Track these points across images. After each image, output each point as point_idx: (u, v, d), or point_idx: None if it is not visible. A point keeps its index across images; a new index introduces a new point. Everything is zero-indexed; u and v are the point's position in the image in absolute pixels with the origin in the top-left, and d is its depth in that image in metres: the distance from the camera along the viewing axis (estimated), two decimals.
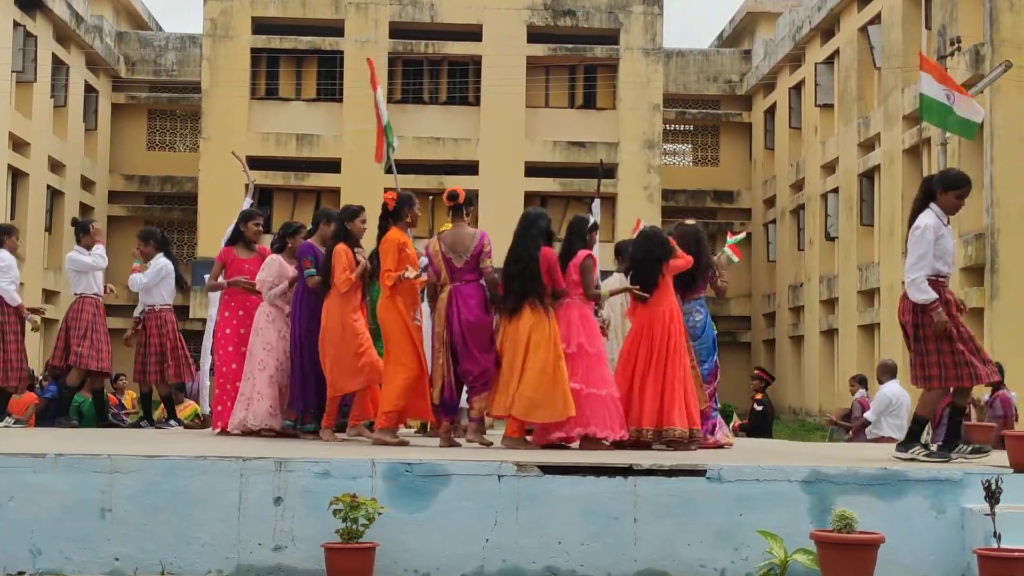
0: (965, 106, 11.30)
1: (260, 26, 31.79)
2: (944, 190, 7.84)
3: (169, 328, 11.51)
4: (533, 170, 30.99)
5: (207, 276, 11.96)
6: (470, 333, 8.54)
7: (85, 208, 33.33)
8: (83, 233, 11.75)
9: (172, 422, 11.87)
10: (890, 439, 12.41)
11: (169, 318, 11.54)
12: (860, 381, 15.97)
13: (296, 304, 9.38)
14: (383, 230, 8.82)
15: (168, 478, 6.80)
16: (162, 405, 12.30)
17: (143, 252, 11.71)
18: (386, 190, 9.77)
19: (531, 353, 8.45)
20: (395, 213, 8.83)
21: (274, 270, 9.60)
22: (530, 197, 30.21)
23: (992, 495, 6.30)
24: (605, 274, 10.90)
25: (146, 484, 6.78)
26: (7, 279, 11.32)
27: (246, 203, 12.15)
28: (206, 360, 11.92)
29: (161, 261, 11.53)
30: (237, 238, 10.32)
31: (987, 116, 22.33)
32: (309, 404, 9.37)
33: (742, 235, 10.82)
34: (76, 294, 11.48)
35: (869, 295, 28.78)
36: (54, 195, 31.84)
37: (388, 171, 11.93)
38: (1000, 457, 7.83)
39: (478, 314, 8.56)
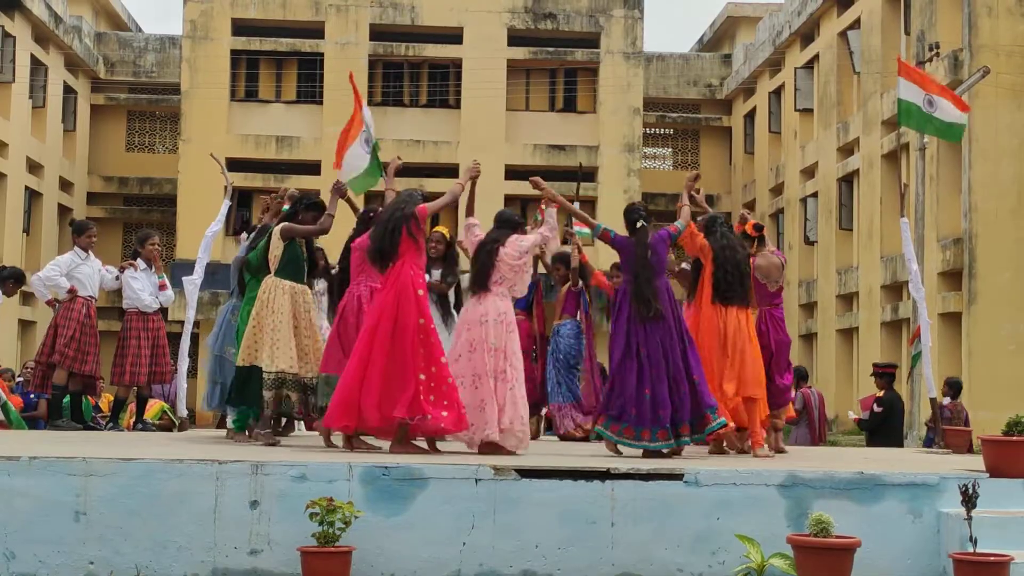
0: (949, 109, 11.32)
1: (240, 28, 31.68)
2: None
3: (154, 329, 11.59)
4: (513, 173, 30.95)
5: (185, 278, 11.98)
6: (778, 351, 9.63)
7: (63, 209, 33.16)
8: (77, 234, 11.74)
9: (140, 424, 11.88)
10: None
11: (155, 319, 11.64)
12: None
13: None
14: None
15: (144, 481, 6.76)
16: (131, 406, 12.28)
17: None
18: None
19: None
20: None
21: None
22: (510, 200, 30.18)
23: (968, 499, 6.33)
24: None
25: (121, 487, 6.74)
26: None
27: (225, 205, 12.08)
28: (183, 363, 11.87)
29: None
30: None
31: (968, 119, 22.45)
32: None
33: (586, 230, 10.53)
34: (68, 293, 11.44)
35: (848, 299, 28.88)
36: (32, 196, 31.66)
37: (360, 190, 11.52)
38: (976, 461, 7.87)
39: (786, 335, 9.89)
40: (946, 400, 15.05)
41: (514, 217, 8.86)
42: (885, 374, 14.83)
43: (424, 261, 8.68)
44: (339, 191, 9.36)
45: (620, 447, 8.51)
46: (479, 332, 8.41)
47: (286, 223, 9.13)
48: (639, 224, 8.72)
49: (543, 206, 9.03)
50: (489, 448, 8.25)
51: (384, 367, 8.08)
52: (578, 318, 11.92)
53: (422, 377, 8.06)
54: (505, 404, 8.32)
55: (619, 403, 8.43)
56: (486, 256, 8.57)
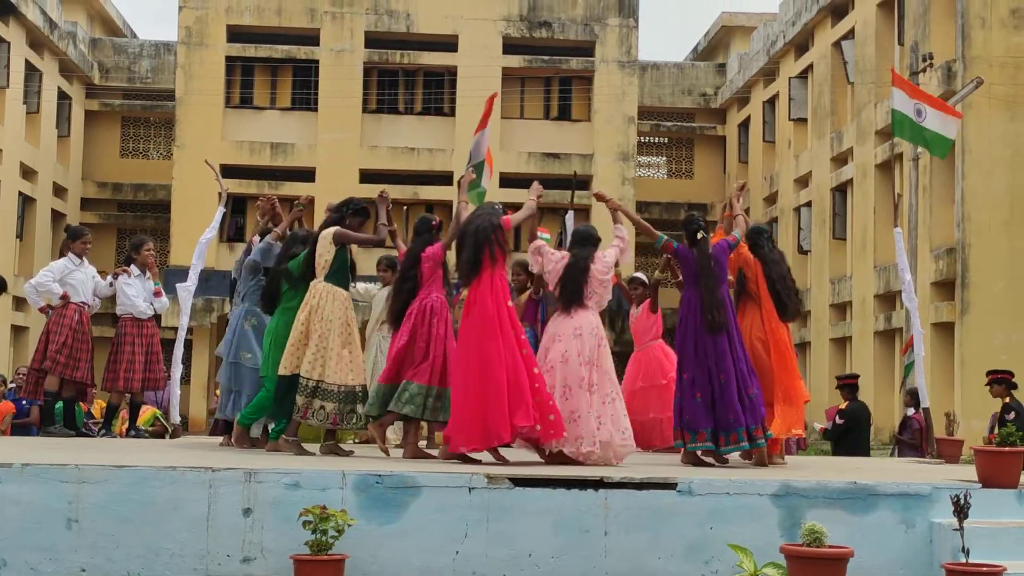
0: (939, 121, 11.36)
1: (235, 34, 31.69)
2: None
3: (148, 335, 11.58)
4: (507, 181, 30.94)
5: (179, 285, 11.97)
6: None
7: (57, 215, 33.12)
8: (72, 240, 11.72)
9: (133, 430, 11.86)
10: None
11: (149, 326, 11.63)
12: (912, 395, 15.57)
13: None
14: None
15: (136, 488, 6.75)
16: (124, 413, 12.26)
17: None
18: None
19: None
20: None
21: None
22: (504, 208, 30.22)
23: (961, 510, 6.34)
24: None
25: (114, 494, 6.73)
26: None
27: (219, 212, 12.05)
28: (177, 369, 11.85)
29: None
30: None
31: (958, 131, 22.51)
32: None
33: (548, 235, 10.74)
34: (60, 299, 11.42)
35: (841, 308, 28.92)
36: (26, 202, 31.62)
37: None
38: (969, 471, 7.88)
39: None
40: (910, 411, 15.08)
41: (594, 234, 8.93)
42: (848, 385, 15.10)
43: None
44: (386, 200, 9.36)
45: (700, 454, 8.85)
46: (574, 345, 8.47)
47: (338, 228, 9.01)
48: (700, 235, 8.89)
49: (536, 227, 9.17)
50: (558, 458, 8.31)
51: (503, 380, 8.08)
52: (536, 327, 11.88)
53: (536, 386, 8.18)
54: (604, 417, 8.40)
55: (692, 412, 8.71)
56: (579, 273, 8.63)
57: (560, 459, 8.30)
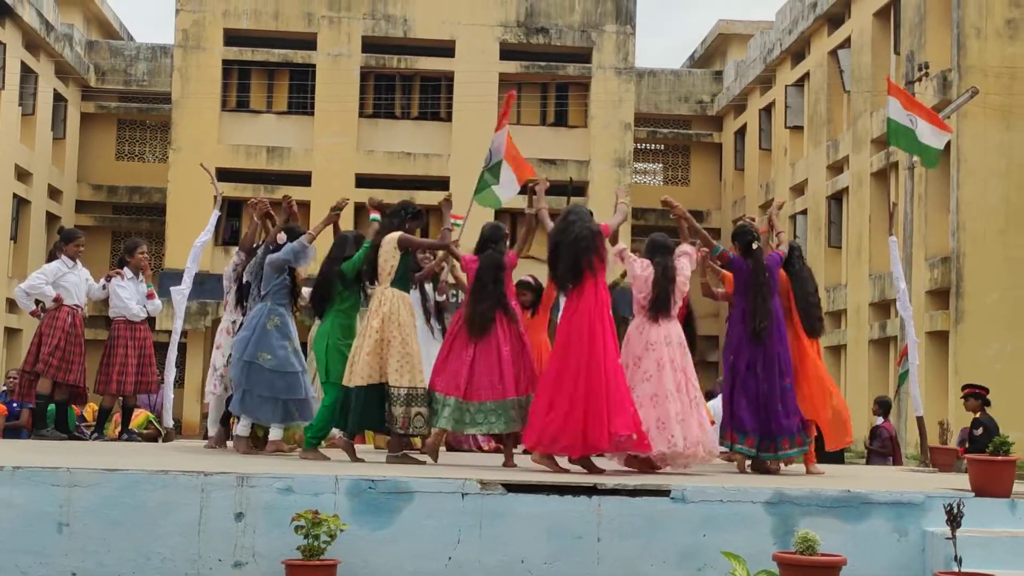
0: (929, 133, 11.40)
1: (232, 38, 31.68)
2: None
3: (140, 338, 11.55)
4: None
5: (173, 288, 11.93)
6: None
7: (52, 218, 33.06)
8: (65, 242, 11.70)
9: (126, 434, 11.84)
10: None
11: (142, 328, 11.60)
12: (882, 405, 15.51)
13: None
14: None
15: (128, 492, 6.73)
16: (116, 416, 12.22)
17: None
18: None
19: None
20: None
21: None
22: (500, 213, 30.23)
23: (953, 519, 6.33)
24: None
25: (105, 498, 6.71)
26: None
27: (214, 215, 12.02)
28: (170, 372, 11.83)
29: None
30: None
31: (954, 141, 22.55)
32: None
33: None
34: (53, 302, 11.39)
35: (836, 316, 28.93)
36: (20, 204, 31.57)
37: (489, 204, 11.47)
38: (962, 480, 7.88)
39: None
40: (879, 420, 15.04)
41: (668, 242, 8.99)
42: (977, 395, 14.65)
43: None
44: (449, 205, 9.29)
45: (745, 456, 9.04)
46: (664, 353, 8.57)
47: (403, 234, 8.93)
48: (755, 246, 9.10)
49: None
50: (635, 463, 8.46)
51: (603, 389, 8.09)
52: None
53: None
54: (691, 421, 8.52)
55: (740, 416, 8.90)
56: (669, 283, 8.69)
57: (643, 465, 8.51)
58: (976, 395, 14.26)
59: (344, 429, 8.95)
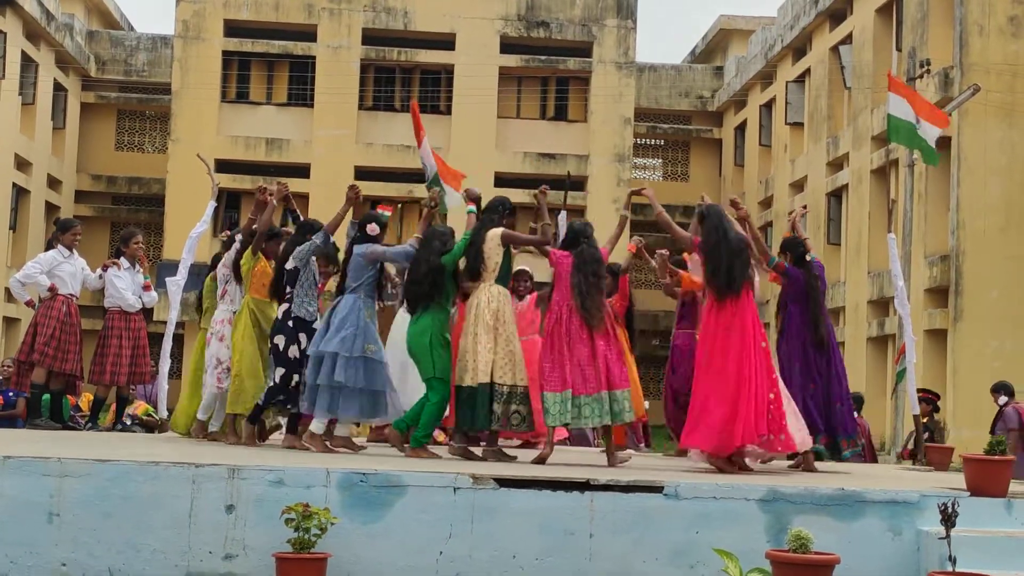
0: (927, 129, 11.38)
1: (232, 29, 31.63)
2: None
3: (135, 329, 11.51)
4: (502, 180, 30.93)
5: (169, 279, 11.87)
6: None
7: (51, 207, 33.04)
8: (62, 232, 11.66)
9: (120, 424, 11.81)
10: None
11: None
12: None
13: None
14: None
15: (119, 483, 6.69)
16: (112, 407, 12.20)
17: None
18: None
19: None
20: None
21: None
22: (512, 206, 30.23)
23: (948, 518, 6.29)
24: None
25: (96, 489, 6.67)
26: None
27: (210, 206, 11.94)
28: (165, 364, 11.77)
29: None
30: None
31: (954, 138, 22.51)
32: None
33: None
34: (48, 291, 11.35)
35: (835, 313, 28.89)
36: (20, 193, 31.54)
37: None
38: (957, 479, 7.85)
39: None
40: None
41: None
42: (928, 399, 14.94)
43: None
44: (545, 196, 9.10)
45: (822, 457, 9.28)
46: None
47: (506, 230, 8.83)
48: (808, 257, 9.47)
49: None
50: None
51: (752, 395, 8.21)
52: None
53: (772, 396, 8.36)
54: (791, 415, 8.67)
55: (813, 419, 9.10)
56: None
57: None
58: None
59: (472, 427, 8.84)
